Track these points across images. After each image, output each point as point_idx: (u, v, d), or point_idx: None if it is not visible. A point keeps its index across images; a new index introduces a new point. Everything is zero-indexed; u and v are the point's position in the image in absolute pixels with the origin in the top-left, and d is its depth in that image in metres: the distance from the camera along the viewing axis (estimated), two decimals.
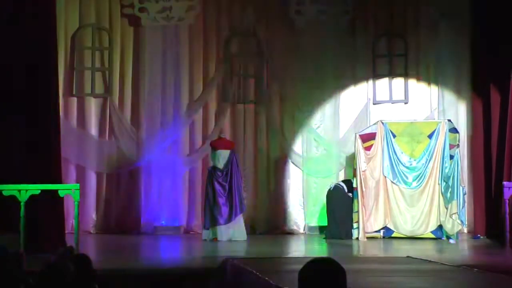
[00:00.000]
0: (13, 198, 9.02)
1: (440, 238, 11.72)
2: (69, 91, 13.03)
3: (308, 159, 13.14)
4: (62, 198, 9.59)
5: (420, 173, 11.94)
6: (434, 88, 13.24)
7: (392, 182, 11.99)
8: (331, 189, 12.10)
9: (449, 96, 13.21)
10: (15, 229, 9.04)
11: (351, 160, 12.48)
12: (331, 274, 3.13)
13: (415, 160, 11.98)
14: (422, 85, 13.29)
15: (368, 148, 12.04)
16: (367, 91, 13.30)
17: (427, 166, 11.90)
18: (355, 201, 11.90)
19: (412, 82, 13.30)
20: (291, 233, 12.94)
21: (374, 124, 12.32)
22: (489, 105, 12.22)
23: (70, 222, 11.78)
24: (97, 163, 13.03)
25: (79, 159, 12.97)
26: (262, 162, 13.21)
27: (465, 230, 12.58)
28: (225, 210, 11.57)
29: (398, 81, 13.32)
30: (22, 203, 8.98)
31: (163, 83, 13.18)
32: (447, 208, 11.66)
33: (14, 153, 9.74)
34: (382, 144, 12.05)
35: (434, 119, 12.79)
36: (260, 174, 13.18)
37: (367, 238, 11.74)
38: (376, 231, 11.96)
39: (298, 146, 13.23)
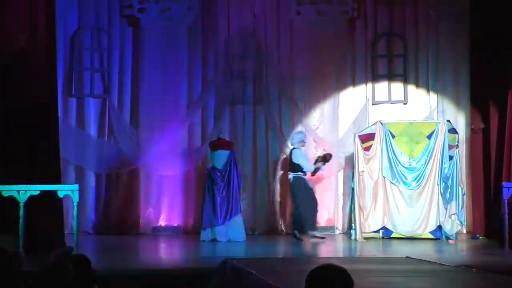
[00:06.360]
0: (12, 199, 9.03)
1: (439, 239, 11.73)
2: (68, 92, 13.04)
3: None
4: (61, 198, 9.60)
5: (419, 174, 11.95)
6: (433, 89, 13.24)
7: (391, 182, 12.00)
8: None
9: (448, 96, 13.23)
10: (14, 229, 9.04)
11: (350, 161, 12.48)
12: (339, 284, 3.17)
13: (414, 160, 11.99)
14: (421, 86, 13.30)
15: (367, 149, 12.05)
16: (366, 92, 13.30)
17: (426, 167, 11.91)
18: (353, 201, 11.93)
19: (411, 82, 13.31)
20: (290, 233, 12.92)
21: (373, 124, 12.33)
22: (488, 104, 12.23)
23: (69, 222, 11.79)
24: (96, 164, 13.03)
25: (78, 160, 12.98)
26: (261, 162, 13.20)
27: (464, 231, 12.59)
28: (223, 210, 11.59)
29: (397, 82, 13.33)
30: (21, 204, 8.99)
31: (162, 84, 13.19)
32: (446, 209, 11.67)
33: (13, 154, 9.75)
34: (381, 144, 12.06)
35: (433, 119, 12.80)
36: (259, 174, 13.17)
37: (367, 238, 11.75)
38: (374, 231, 11.97)
39: None
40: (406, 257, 8.95)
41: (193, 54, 13.30)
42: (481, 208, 12.42)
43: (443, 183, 11.74)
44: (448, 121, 12.24)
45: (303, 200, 11.73)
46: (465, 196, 12.06)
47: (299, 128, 13.10)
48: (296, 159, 11.84)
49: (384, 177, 12.03)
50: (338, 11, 13.31)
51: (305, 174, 11.90)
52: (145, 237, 12.52)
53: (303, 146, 12.06)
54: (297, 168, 11.81)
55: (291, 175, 11.90)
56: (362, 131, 12.35)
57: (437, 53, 13.23)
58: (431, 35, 13.27)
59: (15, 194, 9.02)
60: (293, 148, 12.03)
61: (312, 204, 11.84)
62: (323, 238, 11.75)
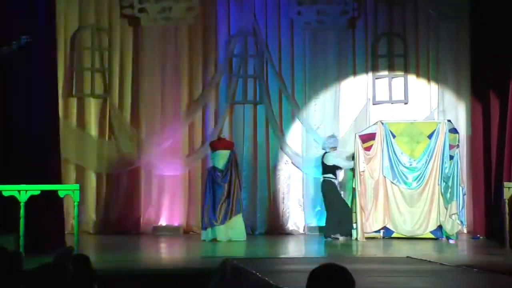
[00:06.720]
0: (13, 199, 9.02)
1: (439, 239, 11.72)
2: (68, 92, 13.04)
3: (307, 160, 13.14)
4: (62, 198, 9.59)
5: (420, 174, 11.94)
6: (433, 88, 13.25)
7: (391, 182, 12.00)
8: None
9: (449, 96, 13.23)
10: (14, 229, 9.04)
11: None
12: (340, 283, 3.18)
13: (415, 160, 11.99)
14: (422, 86, 13.30)
15: (368, 149, 12.04)
16: (366, 91, 13.30)
17: (427, 167, 11.91)
18: (354, 201, 11.93)
19: (411, 82, 13.31)
20: (291, 233, 12.94)
21: (374, 124, 12.32)
22: (489, 105, 12.22)
23: (70, 222, 11.79)
24: (96, 164, 13.04)
25: (78, 160, 12.97)
26: (262, 162, 13.20)
27: (465, 231, 12.60)
28: (223, 210, 11.59)
29: (398, 81, 13.33)
30: (21, 204, 8.98)
31: (162, 84, 13.20)
32: (446, 209, 11.67)
33: (13, 153, 9.75)
34: (382, 144, 12.05)
35: (434, 119, 12.79)
36: (259, 174, 13.17)
37: (367, 238, 11.75)
38: (375, 231, 11.97)
39: (297, 146, 13.23)
40: (407, 257, 8.95)
41: (193, 54, 13.30)
42: (482, 208, 12.42)
43: (444, 183, 11.73)
44: (449, 120, 12.23)
45: (333, 203, 11.78)
46: (465, 196, 12.06)
47: (298, 125, 13.14)
48: (330, 162, 11.85)
49: (385, 177, 12.03)
50: (338, 11, 13.32)
51: (335, 178, 11.94)
52: (145, 237, 12.51)
53: (334, 150, 12.05)
54: (328, 171, 11.85)
55: (321, 179, 11.94)
56: (362, 131, 12.34)
57: (437, 53, 13.23)
58: (431, 35, 13.28)
59: (15, 194, 9.01)
60: (325, 152, 12.02)
61: (341, 207, 11.86)
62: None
